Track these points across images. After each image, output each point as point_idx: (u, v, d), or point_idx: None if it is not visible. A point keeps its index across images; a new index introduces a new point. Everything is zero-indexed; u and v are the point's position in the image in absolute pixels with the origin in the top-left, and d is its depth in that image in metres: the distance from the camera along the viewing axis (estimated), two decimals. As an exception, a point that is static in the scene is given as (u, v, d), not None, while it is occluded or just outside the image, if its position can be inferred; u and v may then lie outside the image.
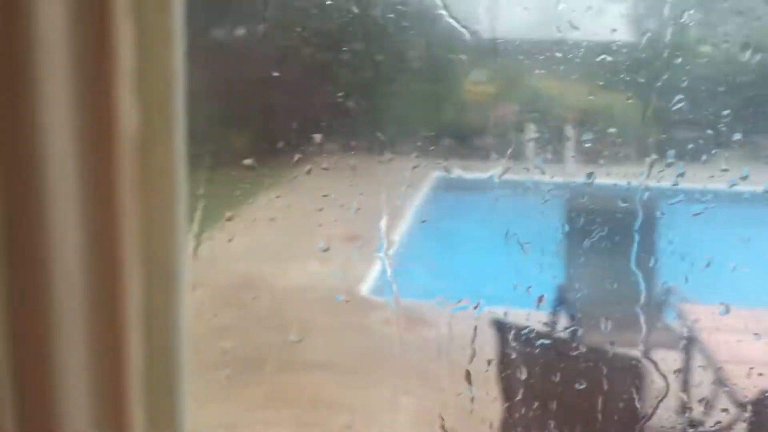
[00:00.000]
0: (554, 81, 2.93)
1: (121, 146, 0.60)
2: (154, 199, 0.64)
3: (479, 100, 3.13)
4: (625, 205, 2.43)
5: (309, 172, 2.96)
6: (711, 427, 2.57)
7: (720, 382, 2.53)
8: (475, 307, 2.94)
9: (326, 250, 3.53)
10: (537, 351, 2.82)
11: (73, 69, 0.55)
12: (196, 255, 2.96)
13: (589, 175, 2.49)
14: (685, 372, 2.87)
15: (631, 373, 2.38)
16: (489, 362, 2.82)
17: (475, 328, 2.77)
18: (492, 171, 2.87)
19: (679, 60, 2.37)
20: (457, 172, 3.14)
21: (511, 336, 2.89)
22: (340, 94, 2.84)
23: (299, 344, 3.65)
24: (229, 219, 2.97)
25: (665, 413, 2.53)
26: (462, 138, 3.07)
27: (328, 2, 2.89)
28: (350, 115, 2.82)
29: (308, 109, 2.97)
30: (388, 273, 3.39)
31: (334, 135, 2.93)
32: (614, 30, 2.45)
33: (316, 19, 2.97)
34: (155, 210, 0.66)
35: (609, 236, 2.63)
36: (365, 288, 4.18)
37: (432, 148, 2.87)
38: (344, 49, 2.85)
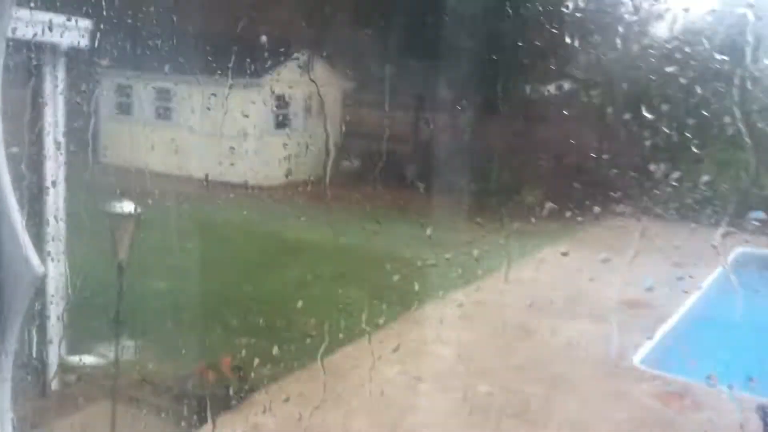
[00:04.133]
0: None
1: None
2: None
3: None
4: None
5: (588, 231, 2.91)
6: None
7: None
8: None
9: (603, 313, 3.44)
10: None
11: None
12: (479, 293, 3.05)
13: None
14: None
15: None
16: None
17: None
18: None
19: None
20: (765, 251, 2.88)
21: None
22: (642, 156, 2.76)
23: (552, 401, 3.56)
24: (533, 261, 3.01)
25: None
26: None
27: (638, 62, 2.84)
28: (650, 178, 2.72)
29: (605, 169, 2.91)
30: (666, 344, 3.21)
31: (631, 197, 2.84)
32: None
33: (623, 79, 2.92)
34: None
35: None
36: (637, 357, 3.97)
37: (738, 221, 2.66)
38: (651, 110, 2.76)
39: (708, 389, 3.02)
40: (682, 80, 2.48)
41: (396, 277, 5.46)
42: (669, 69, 2.60)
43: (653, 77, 2.68)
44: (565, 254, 2.94)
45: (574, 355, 3.99)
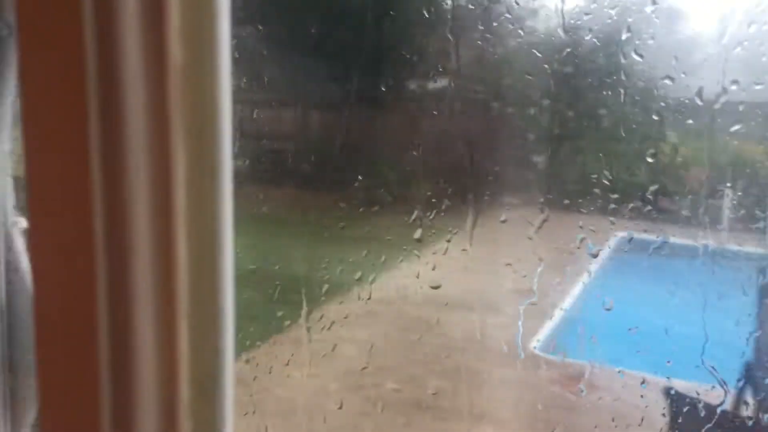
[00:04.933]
0: (756, 144, 2.76)
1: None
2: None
3: (672, 162, 3.01)
4: None
5: (478, 224, 2.95)
6: None
7: None
8: (642, 382, 2.79)
9: (497, 302, 3.49)
10: (711, 426, 2.69)
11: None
12: (370, 297, 3.03)
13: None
14: None
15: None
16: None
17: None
18: (682, 236, 2.73)
19: None
20: (642, 236, 3.01)
21: (684, 409, 2.76)
22: (526, 148, 2.83)
23: (460, 394, 3.61)
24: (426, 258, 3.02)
25: None
26: (651, 201, 2.95)
27: (521, 58, 2.90)
28: (533, 170, 2.79)
29: (492, 163, 2.97)
30: (558, 331, 3.28)
31: (516, 189, 2.91)
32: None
33: (504, 74, 2.98)
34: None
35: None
36: (534, 344, 4.10)
37: (617, 208, 2.77)
38: (532, 104, 2.84)
39: (606, 372, 3.14)
40: (562, 75, 2.57)
41: (287, 280, 5.38)
42: (548, 65, 2.67)
43: (533, 73, 2.74)
44: (464, 250, 2.97)
45: (473, 347, 4.05)
